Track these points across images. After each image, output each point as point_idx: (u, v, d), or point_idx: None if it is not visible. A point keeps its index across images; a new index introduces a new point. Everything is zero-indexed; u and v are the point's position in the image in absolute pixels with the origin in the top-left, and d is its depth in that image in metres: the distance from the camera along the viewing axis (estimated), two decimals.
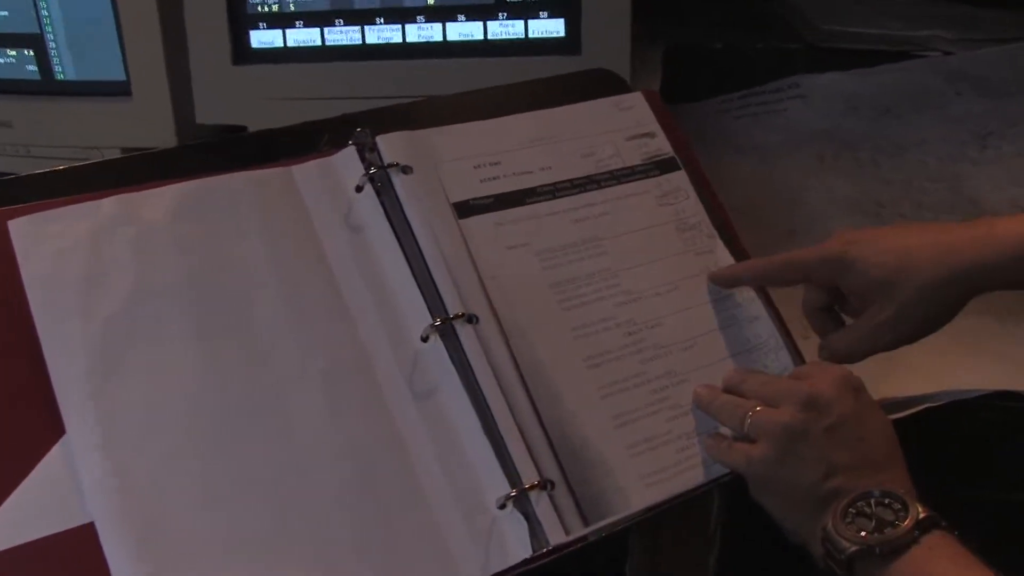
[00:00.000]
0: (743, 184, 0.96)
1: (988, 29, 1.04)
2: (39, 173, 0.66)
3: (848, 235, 0.67)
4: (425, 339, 0.64)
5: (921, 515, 0.55)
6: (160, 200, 0.65)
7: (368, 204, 0.68)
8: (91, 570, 0.54)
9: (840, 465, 0.59)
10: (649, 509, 0.63)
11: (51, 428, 0.57)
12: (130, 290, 0.61)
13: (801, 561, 0.81)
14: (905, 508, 0.55)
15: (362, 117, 0.72)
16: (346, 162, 0.69)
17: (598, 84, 0.80)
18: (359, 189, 0.68)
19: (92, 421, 0.57)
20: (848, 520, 0.56)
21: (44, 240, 0.61)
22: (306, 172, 0.69)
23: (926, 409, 0.69)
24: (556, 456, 0.62)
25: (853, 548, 0.55)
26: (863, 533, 0.55)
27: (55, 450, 0.56)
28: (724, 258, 0.74)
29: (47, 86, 1.01)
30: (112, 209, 0.64)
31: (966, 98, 0.98)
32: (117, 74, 0.99)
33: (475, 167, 0.71)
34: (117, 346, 0.60)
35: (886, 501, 0.56)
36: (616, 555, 0.78)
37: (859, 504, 0.57)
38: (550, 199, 0.71)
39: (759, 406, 0.62)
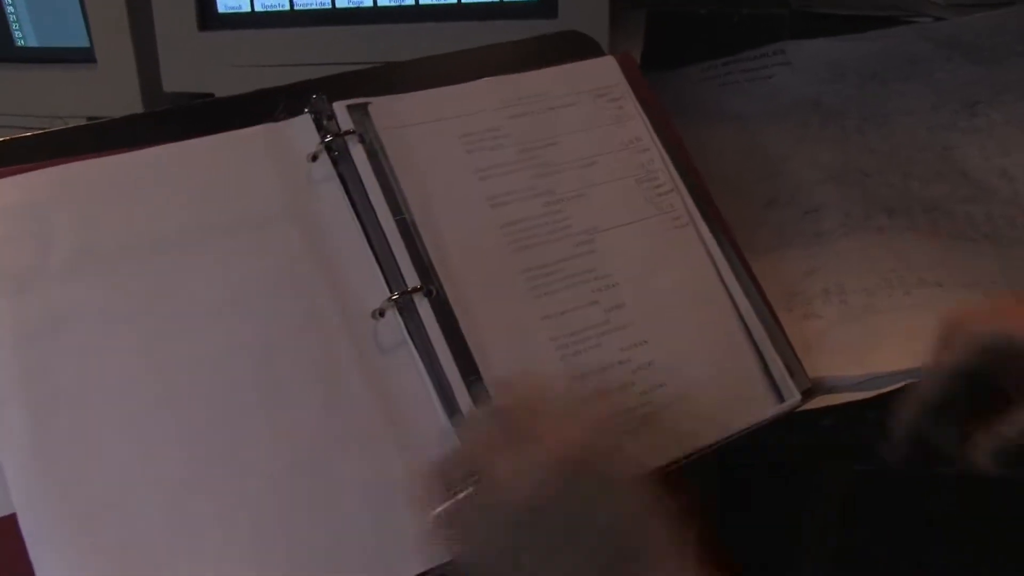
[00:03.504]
0: (725, 153, 0.94)
1: None
2: None
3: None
4: (382, 314, 0.62)
5: None
6: (95, 173, 0.62)
7: (323, 173, 0.65)
8: (12, 562, 0.52)
9: None
10: None
11: None
12: (62, 269, 0.58)
13: (783, 537, 0.79)
14: None
15: (320, 84, 0.69)
16: (300, 130, 0.66)
17: (571, 47, 0.77)
18: (314, 158, 0.65)
19: (18, 409, 0.55)
20: None
21: None
22: (254, 139, 0.66)
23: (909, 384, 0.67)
24: None
25: None
26: None
27: None
28: (703, 229, 0.72)
29: (7, 53, 0.98)
30: (46, 182, 0.61)
31: (956, 65, 0.95)
32: (80, 40, 0.96)
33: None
34: (47, 329, 0.57)
35: None
36: None
37: None
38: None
39: None
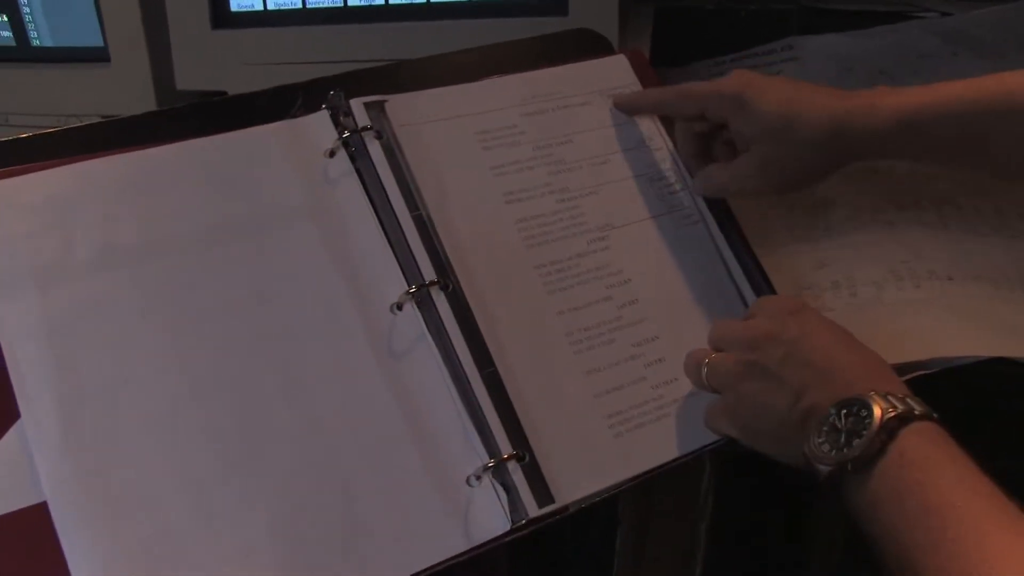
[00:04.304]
0: None
1: None
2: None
3: (746, 76, 0.68)
4: (400, 307, 0.62)
5: (889, 414, 0.51)
6: (116, 169, 0.63)
7: (341, 169, 0.66)
8: (44, 548, 0.53)
9: (805, 384, 0.56)
10: (630, 480, 0.62)
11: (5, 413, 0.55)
12: (86, 264, 0.59)
13: (793, 529, 0.80)
14: (870, 413, 0.52)
15: (335, 81, 0.70)
16: (318, 126, 0.67)
17: (582, 45, 0.78)
18: (332, 154, 0.66)
19: (47, 401, 0.56)
20: (821, 439, 0.53)
21: None
22: (272, 135, 0.67)
23: (919, 376, 0.67)
24: (526, 426, 0.61)
25: (826, 469, 0.52)
26: (833, 452, 0.52)
27: (10, 433, 0.55)
28: (713, 226, 0.73)
29: (23, 53, 0.99)
30: (68, 178, 0.62)
31: (963, 60, 0.96)
32: (94, 40, 0.97)
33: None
34: (75, 325, 0.58)
35: (854, 409, 0.53)
36: (608, 524, 0.78)
37: (830, 420, 0.54)
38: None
39: (712, 354, 0.62)
